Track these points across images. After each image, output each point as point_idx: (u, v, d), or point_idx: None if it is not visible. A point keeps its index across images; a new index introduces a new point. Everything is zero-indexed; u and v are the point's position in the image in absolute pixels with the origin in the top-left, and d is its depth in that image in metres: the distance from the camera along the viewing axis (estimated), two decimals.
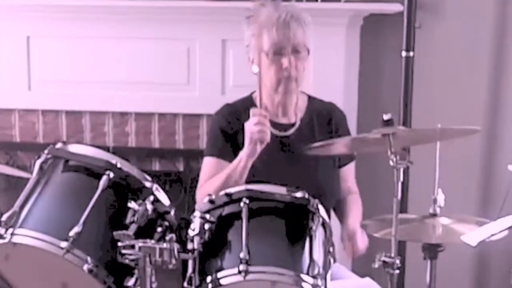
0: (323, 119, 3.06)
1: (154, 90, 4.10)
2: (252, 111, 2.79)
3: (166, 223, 2.44)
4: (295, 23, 2.86)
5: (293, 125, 3.01)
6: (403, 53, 3.92)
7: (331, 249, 2.43)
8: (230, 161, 2.88)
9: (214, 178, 2.88)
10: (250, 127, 2.77)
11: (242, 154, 2.80)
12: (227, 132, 2.96)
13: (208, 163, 2.98)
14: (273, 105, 2.98)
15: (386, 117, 2.53)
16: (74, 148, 2.49)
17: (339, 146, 2.81)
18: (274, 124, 2.96)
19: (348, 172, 3.12)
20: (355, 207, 3.05)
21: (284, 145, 2.98)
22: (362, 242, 2.86)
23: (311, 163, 2.93)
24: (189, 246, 2.34)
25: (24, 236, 2.30)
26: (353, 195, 3.10)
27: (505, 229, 2.48)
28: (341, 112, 3.13)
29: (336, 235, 2.50)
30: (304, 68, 2.91)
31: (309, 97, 3.09)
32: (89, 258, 2.27)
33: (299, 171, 2.93)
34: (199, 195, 2.91)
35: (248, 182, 2.74)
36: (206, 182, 2.92)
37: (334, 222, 2.78)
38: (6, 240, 2.30)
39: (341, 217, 3.01)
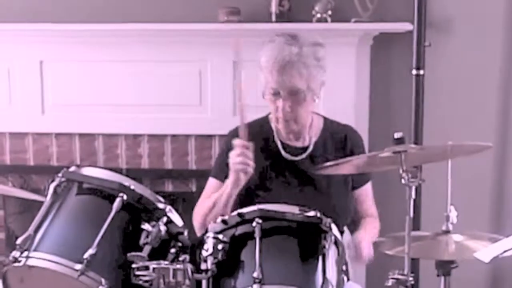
0: (338, 142, 3.02)
1: (166, 112, 4.11)
2: (234, 142, 2.78)
3: (180, 244, 2.45)
4: (294, 67, 2.79)
5: (306, 148, 2.99)
6: (414, 72, 3.92)
7: (344, 268, 2.43)
8: None
9: (207, 200, 2.90)
10: (233, 158, 2.77)
11: (228, 182, 2.81)
12: None
13: (209, 183, 3.01)
14: (285, 131, 2.96)
15: (397, 135, 2.54)
16: (87, 171, 2.51)
17: (350, 166, 2.78)
18: (287, 148, 2.97)
19: (364, 194, 3.07)
20: (369, 225, 3.02)
21: (297, 168, 2.96)
22: (366, 250, 2.81)
23: (324, 185, 2.94)
24: (203, 266, 2.35)
25: (39, 259, 2.32)
26: (369, 218, 3.06)
27: None
28: (358, 135, 3.09)
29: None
30: (307, 108, 2.88)
31: (325, 120, 3.06)
32: (103, 280, 2.29)
33: (312, 194, 2.92)
34: (194, 214, 2.95)
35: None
36: (203, 201, 2.94)
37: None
38: (21, 263, 2.32)
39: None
